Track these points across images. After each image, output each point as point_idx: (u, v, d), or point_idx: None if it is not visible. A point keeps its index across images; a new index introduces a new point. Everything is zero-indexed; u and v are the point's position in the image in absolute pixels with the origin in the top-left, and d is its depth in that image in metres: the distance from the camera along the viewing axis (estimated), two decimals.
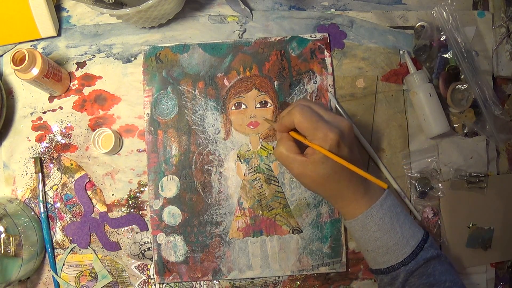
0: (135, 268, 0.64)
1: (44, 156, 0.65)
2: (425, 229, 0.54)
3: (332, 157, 0.48)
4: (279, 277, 0.63)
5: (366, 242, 0.52)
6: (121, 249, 0.64)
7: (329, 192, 0.52)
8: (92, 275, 0.64)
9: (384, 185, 0.47)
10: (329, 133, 0.48)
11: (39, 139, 0.65)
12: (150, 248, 0.63)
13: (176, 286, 0.63)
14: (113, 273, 0.64)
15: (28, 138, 0.65)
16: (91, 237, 0.64)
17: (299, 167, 0.50)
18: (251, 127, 0.64)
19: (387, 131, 0.65)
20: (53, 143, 0.65)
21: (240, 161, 0.64)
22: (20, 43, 0.66)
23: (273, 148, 0.64)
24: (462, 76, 0.64)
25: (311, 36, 0.65)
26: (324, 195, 0.54)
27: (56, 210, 0.64)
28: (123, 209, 0.64)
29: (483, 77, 0.63)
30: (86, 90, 0.66)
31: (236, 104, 0.65)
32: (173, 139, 0.64)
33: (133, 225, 0.64)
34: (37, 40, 0.66)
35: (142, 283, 0.64)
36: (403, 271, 0.50)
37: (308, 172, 0.50)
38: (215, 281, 0.63)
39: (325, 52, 0.65)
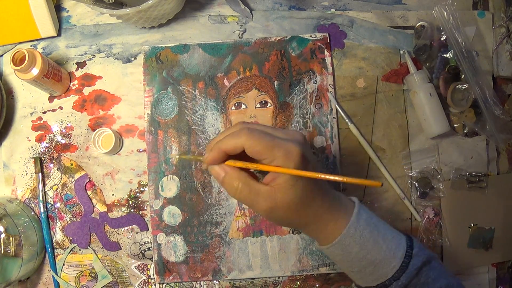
0: (135, 268, 0.64)
1: (44, 156, 0.65)
2: (405, 232, 0.49)
3: (304, 174, 0.41)
4: (279, 277, 0.63)
5: (350, 264, 0.46)
6: (121, 249, 0.64)
7: (303, 219, 0.45)
8: (92, 275, 0.64)
9: (378, 184, 0.40)
10: (290, 149, 0.41)
11: (39, 139, 0.65)
12: (150, 248, 0.63)
13: (176, 286, 0.63)
14: (113, 273, 0.63)
15: (28, 138, 0.65)
16: (91, 237, 0.64)
17: (266, 200, 0.42)
18: None
19: (387, 131, 0.65)
20: (53, 143, 0.65)
21: None
22: (20, 43, 0.66)
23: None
24: (463, 76, 0.64)
25: (311, 36, 0.65)
26: (298, 224, 0.46)
27: (56, 210, 0.64)
28: (123, 209, 0.64)
29: (483, 77, 0.63)
30: (86, 90, 0.66)
31: (236, 104, 0.65)
32: (173, 139, 0.64)
33: (133, 225, 0.64)
34: (37, 40, 0.66)
35: (142, 283, 0.64)
36: (395, 286, 0.45)
37: (278, 202, 0.42)
38: (215, 281, 0.63)
39: (325, 52, 0.65)
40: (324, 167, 0.64)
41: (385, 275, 0.45)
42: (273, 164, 0.42)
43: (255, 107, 0.64)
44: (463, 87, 0.63)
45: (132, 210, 0.64)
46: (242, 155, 0.43)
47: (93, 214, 0.64)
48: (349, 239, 0.45)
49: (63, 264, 0.64)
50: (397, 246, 0.45)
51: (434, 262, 0.47)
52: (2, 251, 0.56)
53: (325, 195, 0.45)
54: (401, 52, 0.66)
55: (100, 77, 0.66)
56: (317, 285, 0.63)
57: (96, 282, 0.63)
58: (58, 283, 0.64)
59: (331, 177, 0.40)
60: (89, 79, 0.66)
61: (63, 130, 0.65)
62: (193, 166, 0.64)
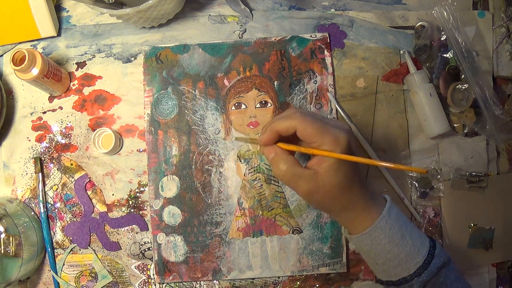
0: (135, 268, 0.64)
1: (44, 156, 0.65)
2: (427, 235, 0.51)
3: (351, 158, 0.44)
4: (279, 277, 0.63)
5: (376, 256, 0.49)
6: (121, 249, 0.64)
7: (341, 204, 0.47)
8: (92, 275, 0.63)
9: (424, 171, 0.44)
10: (339, 135, 0.44)
11: (39, 139, 0.65)
12: (150, 248, 0.63)
13: (176, 286, 0.63)
14: (113, 273, 0.63)
15: (28, 138, 0.65)
16: (91, 237, 0.64)
17: (309, 182, 0.45)
18: (251, 127, 0.64)
19: (387, 131, 0.65)
20: (53, 143, 0.65)
21: (240, 161, 0.64)
22: (20, 43, 0.66)
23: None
24: (463, 76, 0.64)
25: (311, 36, 0.65)
26: (335, 209, 0.49)
27: (56, 210, 0.64)
28: (123, 209, 0.64)
29: (483, 77, 0.63)
30: (86, 90, 0.66)
31: (236, 104, 0.65)
32: (173, 139, 0.64)
33: (133, 225, 0.64)
34: (37, 40, 0.66)
35: (142, 283, 0.64)
36: (416, 283, 0.47)
37: (320, 185, 0.45)
38: (215, 281, 0.63)
39: (325, 52, 0.65)
40: None
41: (408, 270, 0.47)
42: (322, 148, 0.45)
43: (255, 107, 0.64)
44: (463, 87, 0.63)
45: (132, 210, 0.64)
46: (290, 139, 0.47)
47: (93, 214, 0.64)
48: (379, 231, 0.47)
49: (63, 264, 0.64)
50: (421, 244, 0.48)
51: (452, 265, 0.49)
52: (2, 251, 0.56)
53: (362, 187, 0.48)
54: (401, 52, 0.66)
55: (100, 77, 0.66)
56: (317, 285, 0.63)
57: (96, 282, 0.63)
58: (58, 283, 0.64)
59: (379, 163, 0.44)
60: (89, 79, 0.66)
61: (63, 130, 0.65)
62: (193, 166, 0.64)
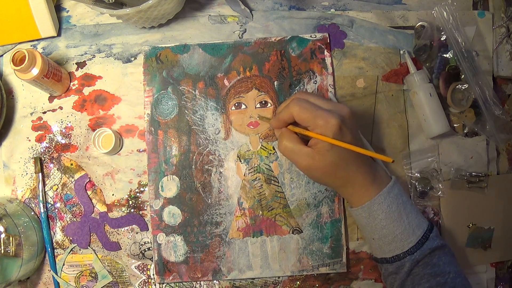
0: (135, 268, 0.64)
1: (44, 156, 0.65)
2: (429, 220, 0.54)
3: (336, 142, 0.49)
4: (279, 277, 0.63)
5: (373, 230, 0.52)
6: (121, 249, 0.64)
7: (338, 180, 0.52)
8: (92, 275, 0.64)
9: (389, 159, 0.48)
10: (329, 120, 0.49)
11: (39, 139, 0.65)
12: (150, 248, 0.63)
13: (176, 286, 0.64)
14: (113, 273, 0.64)
15: (28, 138, 0.65)
16: (91, 237, 0.64)
17: (306, 159, 0.50)
18: (251, 127, 0.64)
19: (387, 131, 0.65)
20: (53, 143, 0.65)
21: (240, 161, 0.64)
22: (20, 43, 0.66)
23: (273, 148, 0.64)
24: (463, 76, 0.64)
25: (311, 36, 0.65)
26: (333, 185, 0.54)
27: (56, 210, 0.64)
28: (123, 209, 0.64)
29: (483, 77, 0.63)
30: (86, 90, 0.66)
31: (236, 104, 0.65)
32: (173, 139, 0.64)
33: (133, 225, 0.64)
34: (37, 40, 0.66)
35: (142, 283, 0.64)
36: (408, 260, 0.51)
37: (316, 162, 0.50)
38: (215, 281, 0.63)
39: (325, 52, 0.65)
40: None
41: (401, 248, 0.51)
42: (315, 131, 0.50)
43: (255, 107, 0.64)
44: (463, 87, 0.63)
45: (132, 210, 0.64)
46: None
47: (93, 214, 0.64)
48: (377, 206, 0.51)
49: (63, 264, 0.64)
50: (417, 226, 0.52)
51: (448, 251, 0.52)
52: (2, 251, 0.56)
53: (361, 164, 0.52)
54: (401, 52, 0.66)
55: (100, 77, 0.66)
56: (317, 285, 0.64)
57: (96, 282, 0.63)
58: (58, 283, 0.64)
59: (354, 148, 0.49)
60: (89, 79, 0.66)
61: (63, 130, 0.65)
62: (193, 167, 0.64)
